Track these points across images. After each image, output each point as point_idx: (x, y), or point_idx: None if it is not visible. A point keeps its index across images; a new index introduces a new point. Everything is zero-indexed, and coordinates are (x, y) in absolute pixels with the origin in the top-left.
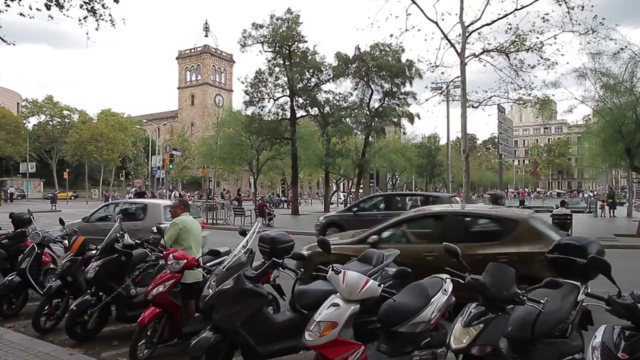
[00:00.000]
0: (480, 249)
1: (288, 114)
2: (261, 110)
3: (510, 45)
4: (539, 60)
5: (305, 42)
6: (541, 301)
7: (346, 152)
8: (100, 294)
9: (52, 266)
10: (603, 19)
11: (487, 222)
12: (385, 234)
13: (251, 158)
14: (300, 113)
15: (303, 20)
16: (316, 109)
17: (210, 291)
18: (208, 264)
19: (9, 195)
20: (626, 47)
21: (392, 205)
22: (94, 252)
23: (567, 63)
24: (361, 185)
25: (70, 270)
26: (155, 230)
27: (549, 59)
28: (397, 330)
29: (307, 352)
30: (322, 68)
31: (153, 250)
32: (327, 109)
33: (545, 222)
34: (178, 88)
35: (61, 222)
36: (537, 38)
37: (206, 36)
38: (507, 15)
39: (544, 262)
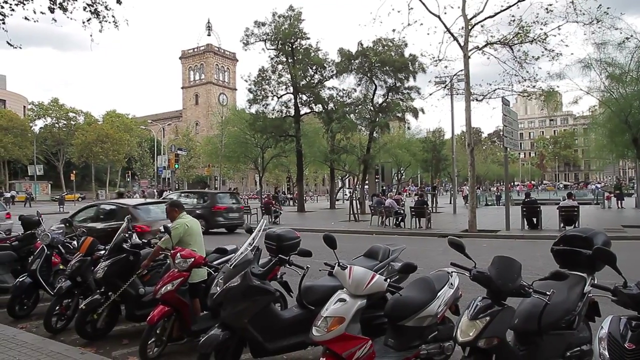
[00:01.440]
0: (111, 225)
1: (292, 111)
2: (265, 108)
3: (513, 37)
4: (543, 52)
5: (308, 39)
6: (547, 293)
7: (351, 148)
8: (110, 293)
9: (61, 267)
10: (608, 8)
11: (114, 209)
12: (78, 216)
13: (256, 156)
14: (304, 110)
15: (305, 17)
16: (320, 105)
17: (218, 289)
18: (215, 262)
19: (10, 199)
20: (632, 36)
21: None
22: (102, 252)
23: (572, 54)
24: (367, 181)
25: (79, 270)
26: (163, 230)
27: (553, 50)
28: (404, 324)
29: (315, 347)
30: (325, 64)
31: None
32: (331, 105)
33: (149, 210)
34: (182, 88)
35: (70, 223)
36: (541, 29)
37: (209, 35)
38: (510, 7)
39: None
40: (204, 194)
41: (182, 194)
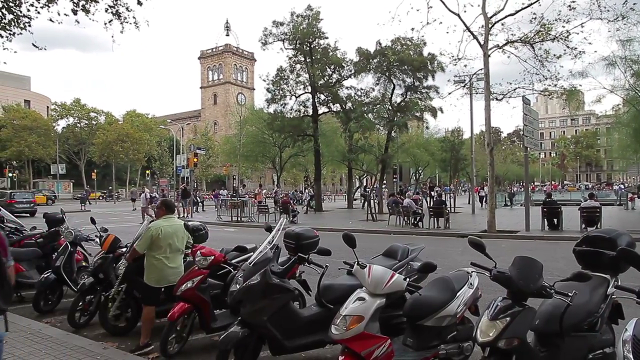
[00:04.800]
0: None
1: (310, 111)
2: (283, 107)
3: (534, 35)
4: (565, 50)
5: (326, 38)
6: (569, 294)
7: (369, 148)
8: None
9: (84, 264)
10: (634, 4)
11: None
12: None
13: (274, 155)
14: (322, 109)
15: (323, 16)
16: (338, 105)
17: (238, 286)
18: (234, 260)
19: None
20: None
21: None
22: (124, 249)
23: (595, 52)
24: (384, 181)
25: (102, 267)
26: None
27: (575, 48)
28: (423, 324)
29: (334, 346)
30: (343, 64)
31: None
32: (349, 104)
33: None
34: (201, 87)
35: (92, 221)
36: (563, 27)
37: (227, 35)
38: (531, 4)
39: None
40: (4, 193)
41: None
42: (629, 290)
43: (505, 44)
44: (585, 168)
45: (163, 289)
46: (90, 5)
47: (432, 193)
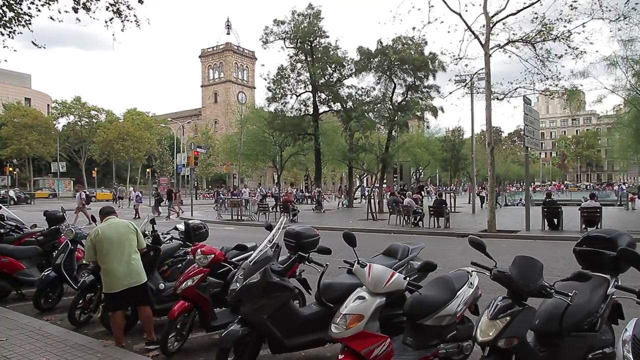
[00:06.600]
0: None
1: (311, 110)
2: (284, 106)
3: (536, 35)
4: (566, 50)
5: (327, 37)
6: (569, 294)
7: (369, 147)
8: None
9: (84, 262)
10: (636, 4)
11: None
12: None
13: (275, 154)
14: (322, 108)
15: (324, 15)
16: (339, 104)
17: (238, 285)
18: (235, 259)
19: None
20: None
21: None
22: None
23: (597, 52)
24: (385, 180)
25: None
26: (183, 228)
27: (577, 48)
28: (422, 323)
29: (333, 344)
30: (344, 63)
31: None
32: (349, 103)
33: None
34: (201, 86)
35: (93, 219)
36: (565, 27)
37: (228, 34)
38: (533, 4)
39: None
40: None
41: None
42: (629, 290)
43: (507, 44)
44: (586, 168)
45: (122, 293)
46: (91, 3)
47: (422, 193)
